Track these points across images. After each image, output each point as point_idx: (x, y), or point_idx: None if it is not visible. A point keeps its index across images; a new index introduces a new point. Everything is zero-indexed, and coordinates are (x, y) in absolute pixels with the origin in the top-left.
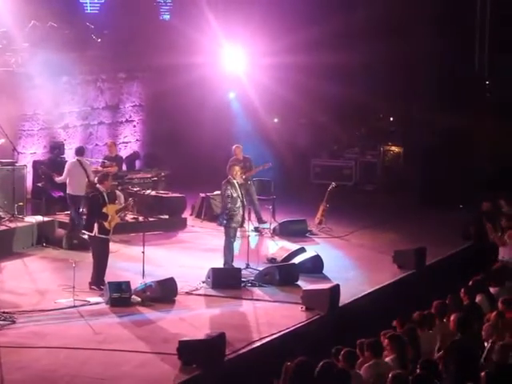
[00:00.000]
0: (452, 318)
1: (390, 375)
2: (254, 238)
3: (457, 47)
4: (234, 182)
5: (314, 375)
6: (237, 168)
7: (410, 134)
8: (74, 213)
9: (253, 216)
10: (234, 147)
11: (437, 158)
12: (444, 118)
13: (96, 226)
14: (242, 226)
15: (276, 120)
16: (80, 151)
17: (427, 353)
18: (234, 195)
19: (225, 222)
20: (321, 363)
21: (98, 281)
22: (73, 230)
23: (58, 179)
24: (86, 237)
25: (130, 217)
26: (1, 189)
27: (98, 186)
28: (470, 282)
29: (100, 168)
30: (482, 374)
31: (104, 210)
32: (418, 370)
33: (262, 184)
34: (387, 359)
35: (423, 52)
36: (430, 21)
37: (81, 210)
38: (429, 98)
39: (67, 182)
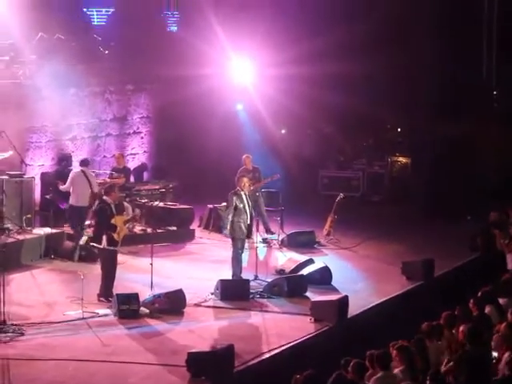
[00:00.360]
0: (461, 328)
1: None
2: (262, 250)
3: (463, 57)
4: (242, 193)
5: None
6: (245, 179)
7: (418, 145)
8: (73, 224)
9: (261, 227)
10: (243, 157)
11: (444, 169)
12: (451, 128)
13: (105, 237)
14: (249, 237)
15: (283, 131)
16: (85, 162)
17: (436, 364)
18: (240, 206)
19: (226, 231)
20: (333, 375)
21: (106, 292)
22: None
23: (62, 187)
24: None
25: (138, 228)
26: (9, 201)
27: (104, 197)
28: (479, 293)
29: (108, 180)
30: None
31: (112, 221)
32: (427, 382)
33: (270, 195)
34: (396, 371)
35: (429, 62)
36: (434, 30)
37: (87, 222)
38: (436, 108)
39: (71, 191)
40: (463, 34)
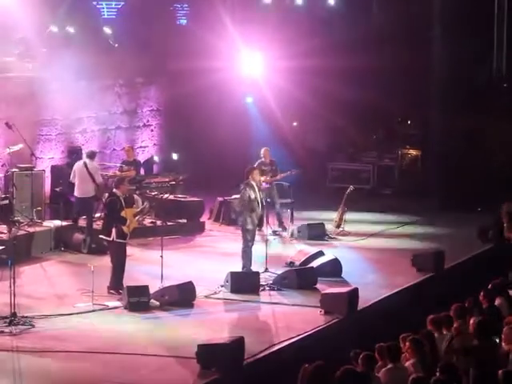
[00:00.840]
0: (471, 321)
1: (410, 379)
2: (272, 242)
3: (474, 51)
4: (253, 184)
5: (331, 380)
6: (256, 171)
7: (428, 138)
8: (74, 214)
9: (271, 220)
10: (262, 150)
11: (455, 161)
12: (462, 120)
13: (114, 230)
14: (260, 228)
15: (295, 124)
16: (89, 154)
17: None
18: (252, 197)
19: (242, 222)
20: (341, 369)
21: (116, 285)
22: (91, 234)
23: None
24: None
25: (148, 221)
26: (19, 194)
27: (114, 190)
28: (490, 285)
29: (118, 172)
30: (500, 372)
31: (122, 214)
32: (437, 374)
33: (281, 188)
34: (407, 363)
35: (441, 55)
36: (448, 23)
37: (97, 214)
38: (447, 100)
39: (75, 184)
40: (474, 28)
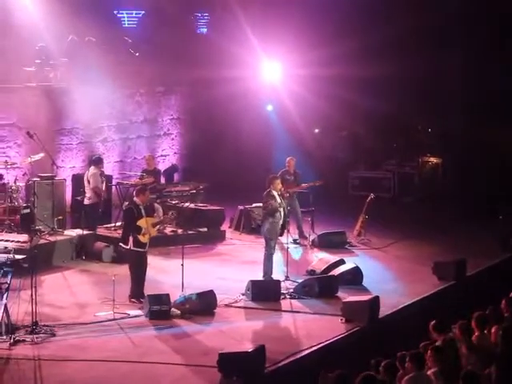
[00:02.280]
0: (493, 329)
1: None
2: (293, 250)
3: (494, 59)
4: (275, 193)
5: None
6: (278, 181)
7: (449, 146)
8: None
9: (292, 229)
10: (288, 159)
11: (476, 169)
12: (482, 129)
13: (131, 239)
14: (281, 236)
15: (317, 130)
16: (93, 161)
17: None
18: (274, 205)
19: (265, 230)
20: (361, 375)
21: (137, 293)
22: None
23: None
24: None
25: (168, 229)
26: (41, 203)
27: (134, 199)
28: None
29: (138, 181)
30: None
31: (139, 223)
32: (460, 382)
33: (301, 196)
34: (429, 372)
35: (462, 64)
36: (468, 31)
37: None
38: (467, 109)
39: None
40: (494, 36)
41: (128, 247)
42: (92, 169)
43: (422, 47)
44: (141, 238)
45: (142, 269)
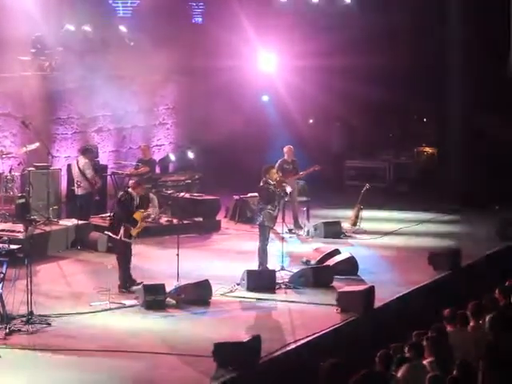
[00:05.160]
0: (487, 319)
1: (427, 377)
2: (288, 240)
3: (492, 48)
4: (270, 182)
5: (346, 376)
6: (274, 170)
7: (445, 135)
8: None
9: (287, 218)
10: (286, 148)
11: (472, 159)
12: (478, 118)
13: (122, 229)
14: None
15: (311, 121)
16: (81, 151)
17: (462, 353)
18: (270, 195)
19: (259, 220)
20: (361, 373)
21: (127, 282)
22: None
23: None
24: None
25: (164, 219)
26: (36, 192)
27: (130, 190)
28: (507, 283)
29: (134, 171)
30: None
31: (134, 216)
32: (454, 372)
33: (297, 186)
34: (425, 362)
35: (458, 52)
36: (466, 19)
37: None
38: (463, 98)
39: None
40: (493, 25)
41: (118, 237)
42: (82, 158)
43: (419, 36)
44: (133, 230)
45: (130, 259)
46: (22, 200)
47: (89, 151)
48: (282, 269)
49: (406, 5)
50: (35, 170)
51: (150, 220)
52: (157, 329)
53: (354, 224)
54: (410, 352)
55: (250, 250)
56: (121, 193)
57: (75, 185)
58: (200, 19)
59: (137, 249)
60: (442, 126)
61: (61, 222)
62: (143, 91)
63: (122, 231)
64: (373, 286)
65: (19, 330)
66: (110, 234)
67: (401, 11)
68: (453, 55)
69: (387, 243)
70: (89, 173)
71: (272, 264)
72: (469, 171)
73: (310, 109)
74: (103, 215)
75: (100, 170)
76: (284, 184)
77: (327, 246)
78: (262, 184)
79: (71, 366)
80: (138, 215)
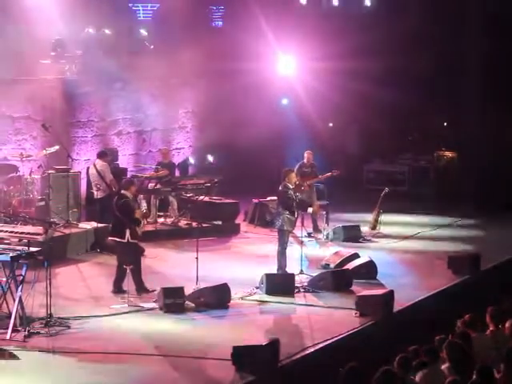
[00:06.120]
0: (507, 324)
1: (446, 382)
2: (307, 244)
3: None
4: (290, 186)
5: (365, 380)
6: (293, 174)
7: (465, 139)
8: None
9: (306, 222)
10: (306, 153)
11: (491, 163)
12: (499, 122)
13: (128, 231)
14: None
15: (331, 124)
16: (99, 154)
17: (481, 357)
18: (292, 199)
19: (280, 224)
20: (380, 370)
21: (142, 285)
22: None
23: None
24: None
25: (183, 222)
26: (56, 195)
27: (123, 192)
28: None
29: (153, 174)
30: None
31: (136, 215)
32: (474, 377)
33: (317, 190)
34: (443, 367)
35: (477, 55)
36: (485, 22)
37: None
38: (483, 102)
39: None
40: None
41: (125, 240)
42: (99, 161)
43: (439, 40)
44: (138, 229)
45: (140, 260)
46: (42, 203)
47: (106, 154)
48: (301, 272)
49: (426, 7)
50: (55, 173)
51: (169, 222)
52: (175, 332)
53: (374, 228)
54: (426, 357)
55: (269, 253)
56: (115, 197)
57: (94, 188)
58: (220, 23)
59: (156, 252)
60: (462, 129)
61: (80, 225)
62: (163, 94)
63: (127, 234)
64: (392, 290)
65: (38, 333)
66: (116, 239)
67: (421, 14)
68: (474, 58)
69: (406, 247)
70: (107, 176)
71: (291, 268)
72: (488, 175)
73: (330, 112)
74: None
75: (118, 173)
76: (302, 187)
77: (346, 250)
78: (280, 188)
79: (90, 369)
80: (138, 214)
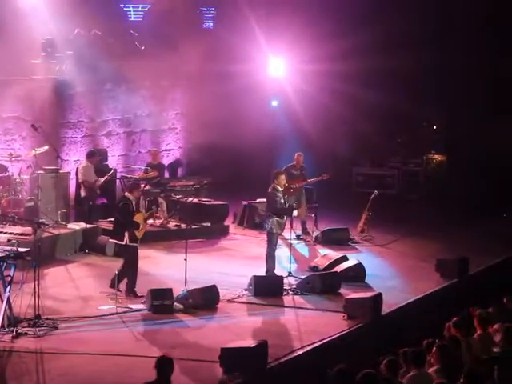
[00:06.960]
0: (495, 327)
1: None
2: (296, 246)
3: (504, 55)
4: (279, 188)
5: (353, 383)
6: (283, 176)
7: (454, 143)
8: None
9: (295, 224)
10: (296, 155)
11: (481, 167)
12: (488, 125)
13: (127, 234)
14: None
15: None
16: (86, 154)
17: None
18: (279, 201)
19: (269, 227)
20: (362, 372)
21: (133, 288)
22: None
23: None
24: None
25: (172, 224)
26: (44, 195)
27: (127, 194)
28: None
29: (143, 175)
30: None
31: (135, 218)
32: (461, 380)
33: (306, 192)
34: (431, 370)
35: (466, 59)
36: (476, 26)
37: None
38: (472, 105)
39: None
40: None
41: (124, 243)
42: (83, 162)
43: (428, 41)
44: (137, 233)
45: (137, 263)
46: (31, 203)
47: (93, 154)
48: (290, 275)
49: (416, 10)
50: (44, 173)
51: (157, 224)
52: (163, 333)
53: (363, 231)
54: (414, 360)
55: (258, 255)
56: (118, 199)
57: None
58: (211, 24)
59: (145, 253)
60: (451, 133)
61: (69, 226)
62: (153, 95)
63: (126, 236)
64: (380, 293)
65: (26, 334)
66: (116, 241)
67: (411, 16)
68: (463, 60)
69: (395, 250)
70: (80, 176)
71: (279, 270)
72: (478, 178)
73: (319, 113)
74: (112, 219)
75: (105, 171)
76: (291, 189)
77: (335, 253)
78: (270, 190)
79: (78, 370)
80: (139, 217)
